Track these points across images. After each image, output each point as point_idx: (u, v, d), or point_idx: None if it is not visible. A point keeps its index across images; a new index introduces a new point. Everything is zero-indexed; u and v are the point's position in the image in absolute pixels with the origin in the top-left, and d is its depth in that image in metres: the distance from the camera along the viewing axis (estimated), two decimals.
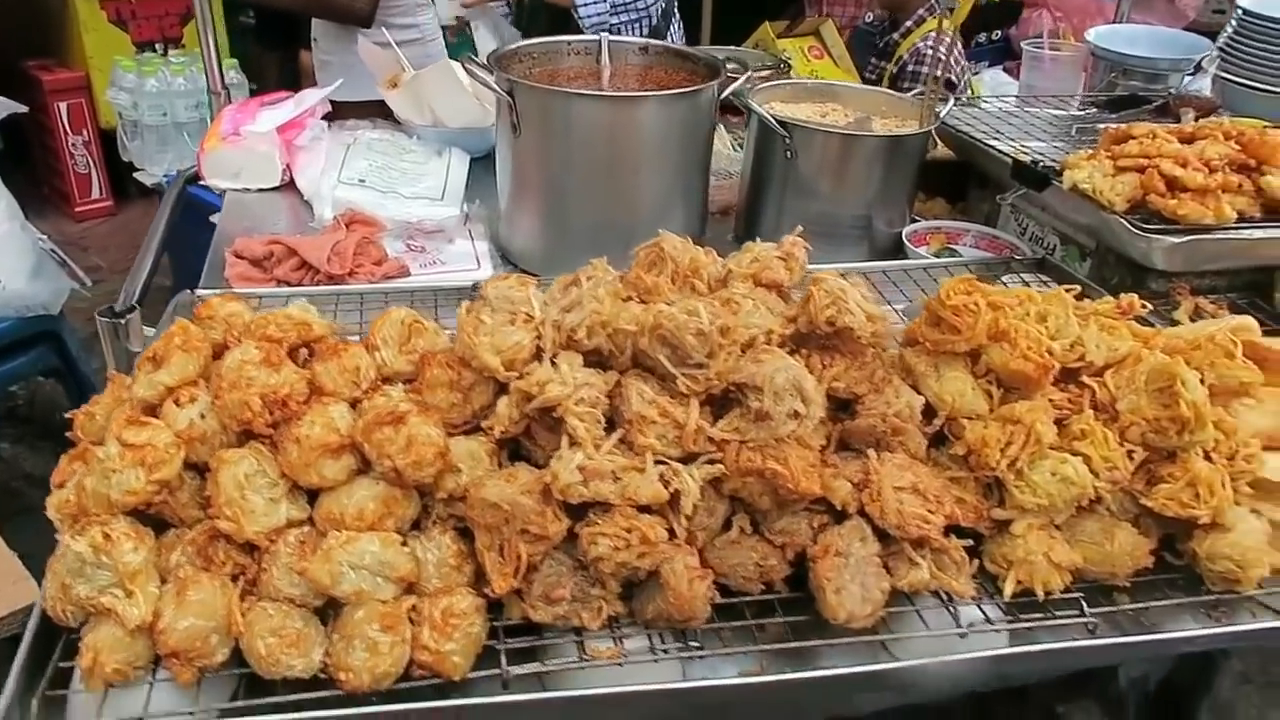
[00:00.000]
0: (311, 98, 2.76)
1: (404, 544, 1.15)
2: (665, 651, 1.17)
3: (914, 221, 2.49)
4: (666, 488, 1.15)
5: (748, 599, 1.24)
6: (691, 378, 1.18)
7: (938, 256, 2.41)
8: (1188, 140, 2.15)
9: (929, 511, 1.22)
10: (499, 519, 1.13)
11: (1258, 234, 1.96)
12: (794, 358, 1.25)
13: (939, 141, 2.74)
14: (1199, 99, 2.64)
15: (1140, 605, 1.32)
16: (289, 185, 2.59)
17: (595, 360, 1.26)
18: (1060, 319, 1.37)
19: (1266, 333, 1.95)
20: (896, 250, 2.38)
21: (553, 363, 1.19)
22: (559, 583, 1.15)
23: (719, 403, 1.24)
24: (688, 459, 1.20)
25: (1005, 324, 1.30)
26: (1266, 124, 2.39)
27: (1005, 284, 2.14)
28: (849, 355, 1.28)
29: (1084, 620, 1.25)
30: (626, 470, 1.15)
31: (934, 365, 1.32)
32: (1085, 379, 1.36)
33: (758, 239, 2.42)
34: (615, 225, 2.24)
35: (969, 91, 3.71)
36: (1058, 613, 1.25)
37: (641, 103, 2.14)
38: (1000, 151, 2.35)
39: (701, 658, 1.18)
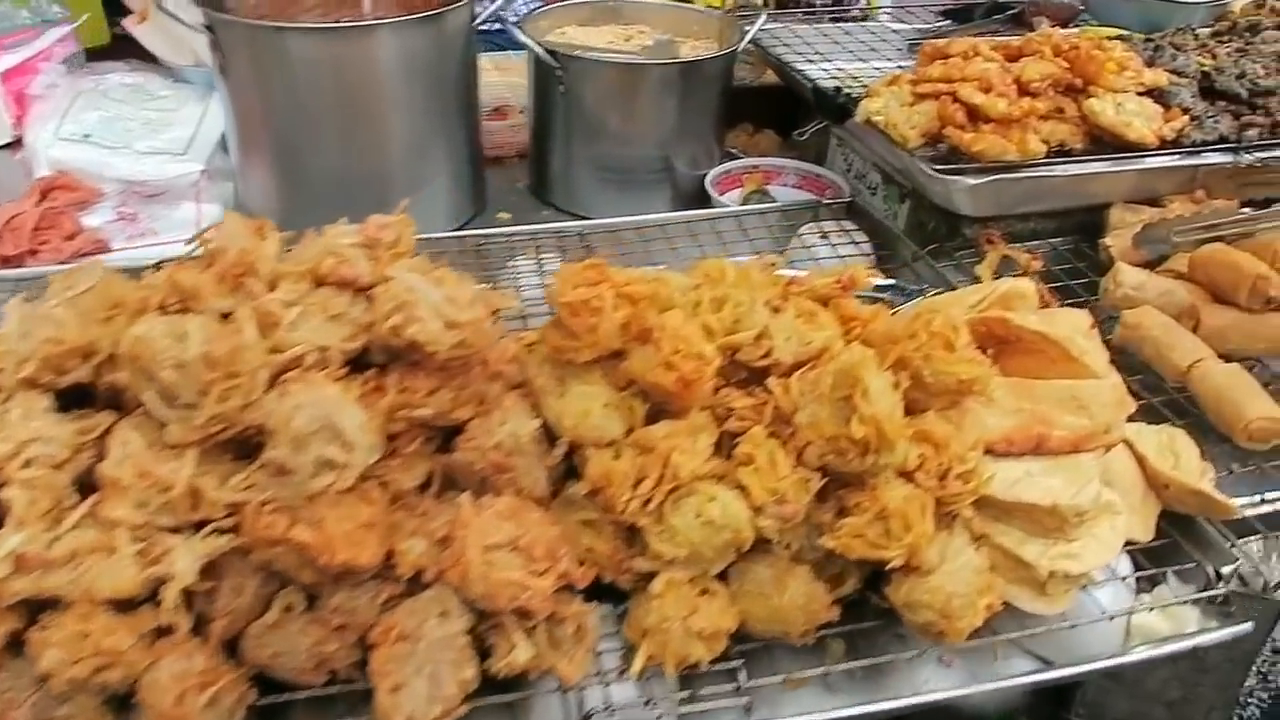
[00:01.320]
0: (52, 35, 2.39)
1: None
2: None
3: (728, 159, 2.18)
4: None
5: (308, 694, 0.97)
6: (185, 423, 0.89)
7: (752, 197, 2.11)
8: (1015, 57, 1.83)
9: (533, 574, 0.94)
10: None
11: (1075, 169, 1.66)
12: (357, 379, 0.96)
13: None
14: (1057, 6, 2.31)
15: (837, 668, 1.07)
16: (20, 142, 2.25)
17: (110, 398, 0.97)
18: (743, 305, 1.08)
19: (1086, 285, 1.67)
20: (707, 194, 2.08)
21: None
22: (12, 702, 0.87)
23: (253, 449, 0.95)
24: (200, 525, 0.91)
25: (648, 320, 1.01)
26: (1121, 32, 2.07)
27: (802, 236, 1.84)
28: (443, 373, 0.99)
29: (739, 700, 0.99)
30: (93, 552, 0.87)
31: (559, 378, 1.02)
32: (773, 382, 1.08)
33: (551, 186, 2.12)
34: (364, 177, 1.94)
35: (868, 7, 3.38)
36: (705, 690, 0.99)
37: (369, 34, 1.80)
38: (806, 77, 2.02)
39: None
